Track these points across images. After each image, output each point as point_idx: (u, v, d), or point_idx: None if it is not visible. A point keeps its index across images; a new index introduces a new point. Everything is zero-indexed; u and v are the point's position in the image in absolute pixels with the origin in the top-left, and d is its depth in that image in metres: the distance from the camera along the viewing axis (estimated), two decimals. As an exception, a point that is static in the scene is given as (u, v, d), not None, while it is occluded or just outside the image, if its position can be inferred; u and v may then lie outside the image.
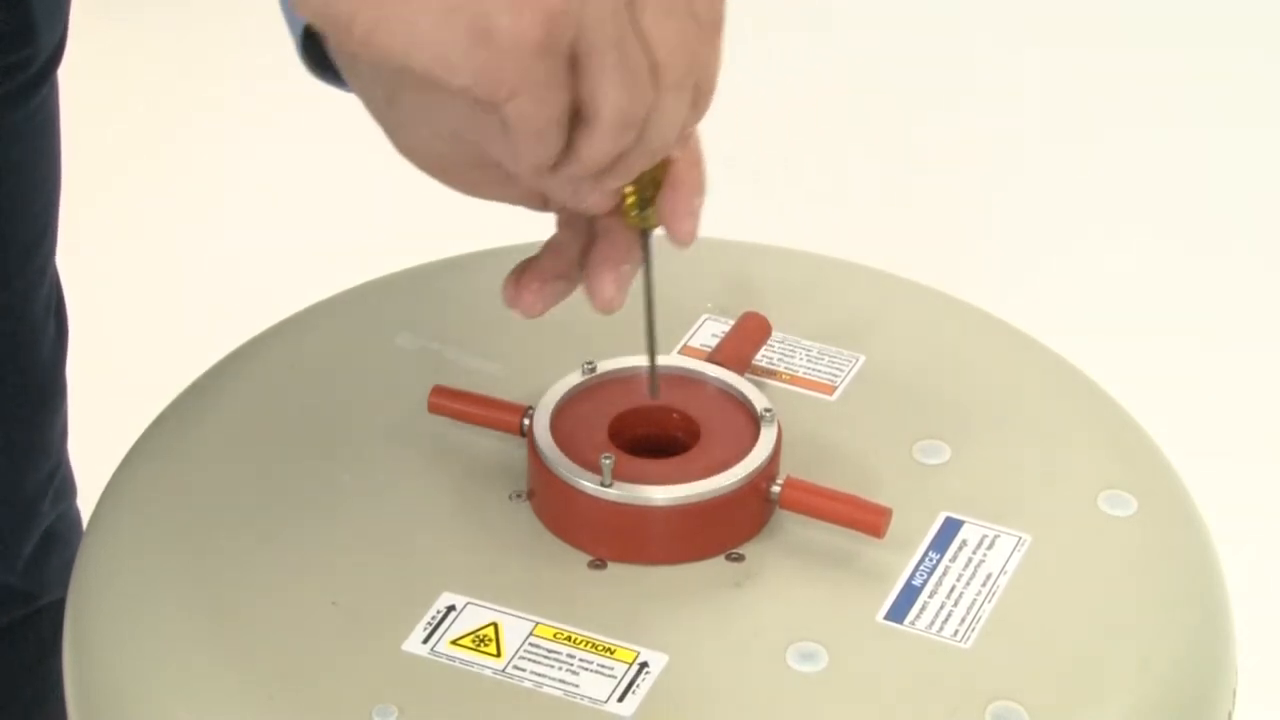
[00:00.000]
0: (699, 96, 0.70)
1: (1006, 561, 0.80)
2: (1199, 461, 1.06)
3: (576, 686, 0.75)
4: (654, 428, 0.84)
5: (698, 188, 0.74)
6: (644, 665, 0.76)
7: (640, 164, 0.70)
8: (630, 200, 0.74)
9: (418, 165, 0.77)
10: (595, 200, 0.73)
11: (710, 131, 0.72)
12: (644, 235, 0.75)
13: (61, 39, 1.02)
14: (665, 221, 0.74)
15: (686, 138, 0.73)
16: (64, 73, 1.04)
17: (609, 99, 0.67)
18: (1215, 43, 2.64)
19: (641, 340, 0.82)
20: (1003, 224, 2.30)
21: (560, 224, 0.78)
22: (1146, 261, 2.24)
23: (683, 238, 0.74)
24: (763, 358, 0.91)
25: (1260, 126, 2.48)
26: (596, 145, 0.68)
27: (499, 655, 0.76)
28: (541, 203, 0.77)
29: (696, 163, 0.74)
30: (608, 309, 0.75)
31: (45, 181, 1.05)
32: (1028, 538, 0.82)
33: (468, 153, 0.74)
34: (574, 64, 0.66)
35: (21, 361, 1.07)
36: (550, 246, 0.77)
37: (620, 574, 0.80)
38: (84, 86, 1.41)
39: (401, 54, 0.64)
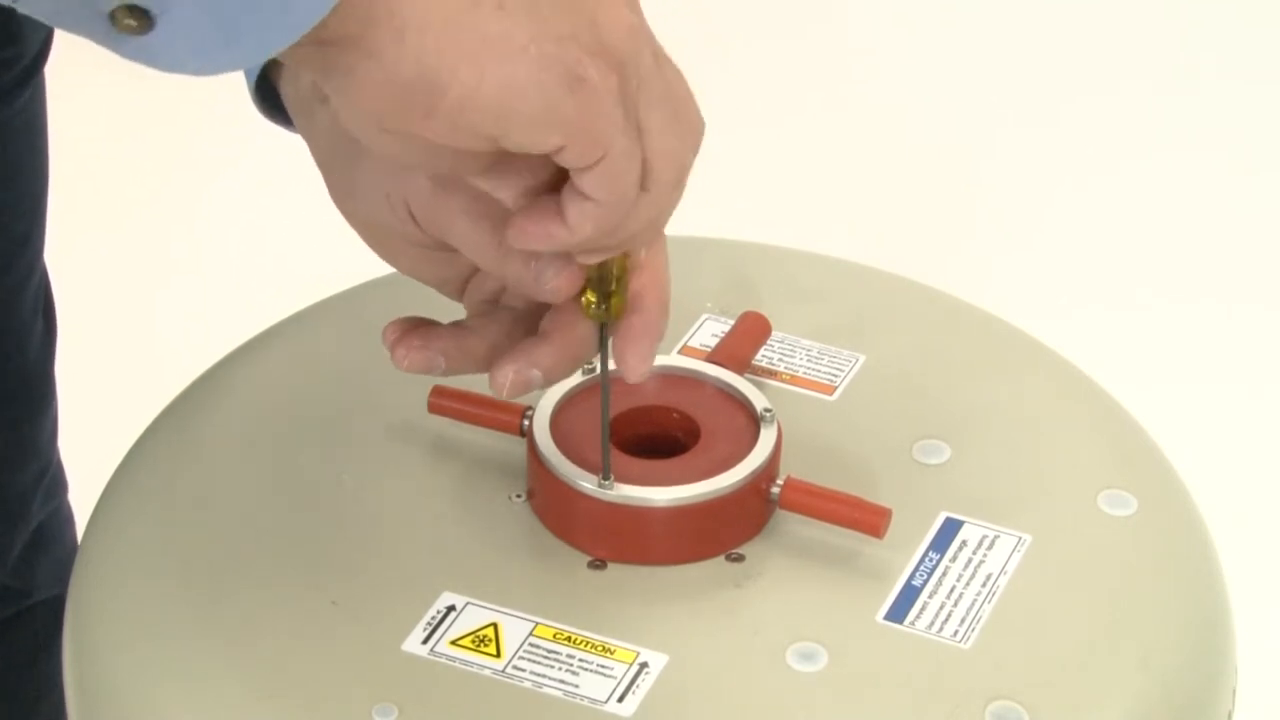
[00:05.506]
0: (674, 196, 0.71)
1: (1006, 561, 0.80)
2: (1199, 461, 1.06)
3: (576, 687, 0.75)
4: (654, 428, 0.84)
5: (658, 332, 0.75)
6: (644, 665, 0.76)
7: (606, 252, 0.71)
8: (591, 297, 0.74)
9: (356, 226, 0.77)
10: (556, 285, 0.73)
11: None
12: (601, 328, 0.76)
13: (48, 38, 1.02)
14: (619, 353, 0.75)
15: (653, 242, 0.74)
16: (50, 71, 1.04)
17: (665, 151, 0.67)
18: (1212, 42, 2.64)
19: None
20: (1004, 224, 2.30)
21: (471, 315, 0.79)
22: (1149, 261, 2.24)
23: (631, 376, 0.75)
24: (763, 358, 0.91)
25: (1261, 120, 2.48)
26: (653, 203, 0.68)
27: (499, 655, 0.76)
28: (457, 291, 0.78)
29: (663, 307, 0.76)
30: (496, 394, 0.75)
31: (33, 179, 1.05)
32: (1028, 538, 0.82)
33: (408, 231, 0.75)
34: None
35: (9, 359, 1.07)
36: (457, 325, 0.78)
37: (620, 574, 0.80)
38: (71, 85, 1.40)
39: (502, 115, 0.63)
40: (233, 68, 0.61)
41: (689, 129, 0.69)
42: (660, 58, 0.68)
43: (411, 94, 0.62)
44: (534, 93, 0.63)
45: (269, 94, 0.80)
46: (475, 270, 0.78)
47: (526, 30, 0.62)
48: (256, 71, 0.79)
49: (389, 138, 0.65)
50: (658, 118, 0.67)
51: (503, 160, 0.69)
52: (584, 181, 0.67)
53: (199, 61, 0.60)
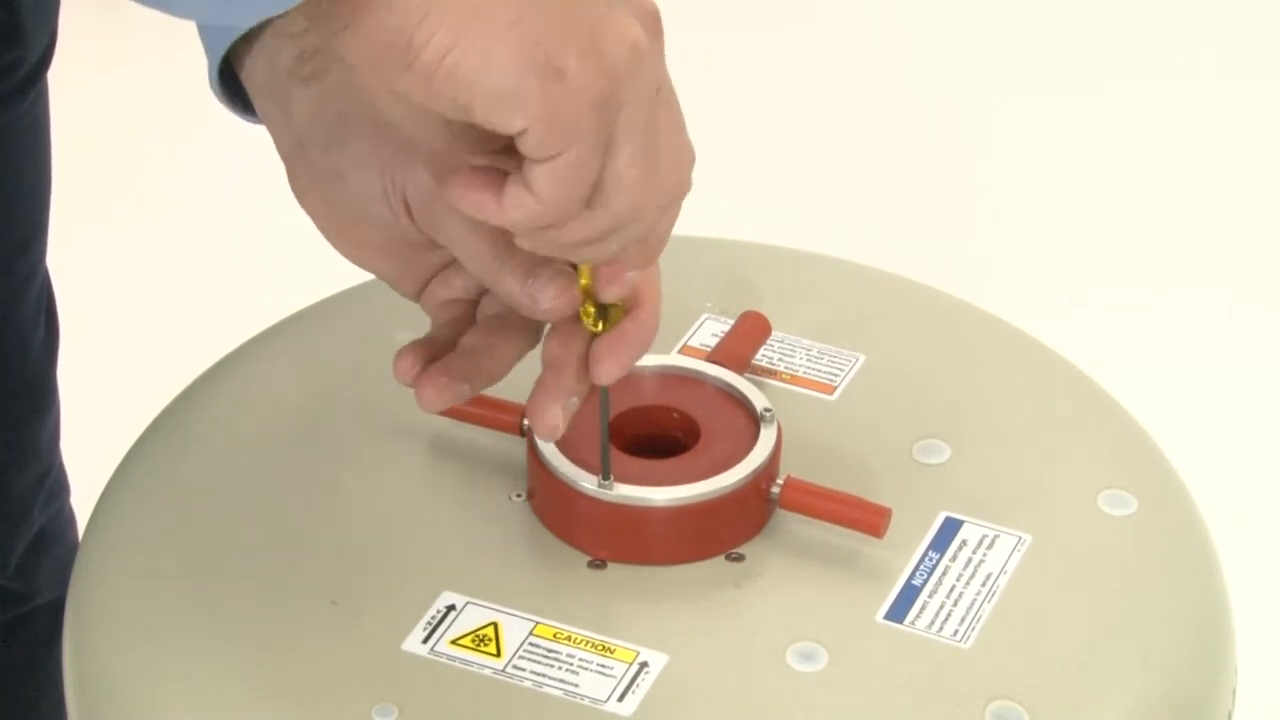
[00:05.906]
0: (654, 242, 0.71)
1: (1006, 561, 0.80)
2: (1199, 461, 1.06)
3: (576, 686, 0.75)
4: (654, 428, 0.84)
5: (644, 346, 0.75)
6: (644, 665, 0.76)
7: (544, 248, 0.70)
8: (589, 309, 0.74)
9: (317, 208, 0.77)
10: (552, 306, 0.73)
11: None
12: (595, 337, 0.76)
13: (51, 41, 1.02)
14: (599, 354, 0.74)
15: (598, 261, 0.73)
16: (54, 74, 1.04)
17: (623, 182, 0.67)
18: (1212, 42, 2.64)
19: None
20: (1004, 224, 2.30)
21: (433, 316, 0.78)
22: (1149, 261, 2.24)
23: (602, 380, 0.75)
24: (763, 357, 0.91)
25: (1262, 120, 2.48)
26: (594, 223, 0.68)
27: (499, 655, 0.76)
28: (413, 290, 0.78)
29: (652, 324, 0.75)
30: (551, 438, 0.75)
31: (35, 183, 1.05)
32: (1028, 538, 0.81)
33: (399, 224, 0.75)
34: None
35: (11, 363, 1.07)
36: (464, 350, 0.77)
37: (620, 574, 0.80)
38: (75, 88, 1.41)
39: (469, 83, 0.63)
40: (243, 22, 0.62)
41: (665, 173, 0.68)
42: (665, 95, 0.67)
43: (391, 50, 0.63)
44: (505, 70, 0.63)
45: (230, 80, 0.80)
46: (437, 273, 0.78)
47: (516, 11, 0.63)
48: (219, 56, 0.79)
49: (392, 96, 0.66)
50: (630, 148, 0.66)
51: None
52: (531, 172, 0.66)
53: (211, 12, 0.62)
